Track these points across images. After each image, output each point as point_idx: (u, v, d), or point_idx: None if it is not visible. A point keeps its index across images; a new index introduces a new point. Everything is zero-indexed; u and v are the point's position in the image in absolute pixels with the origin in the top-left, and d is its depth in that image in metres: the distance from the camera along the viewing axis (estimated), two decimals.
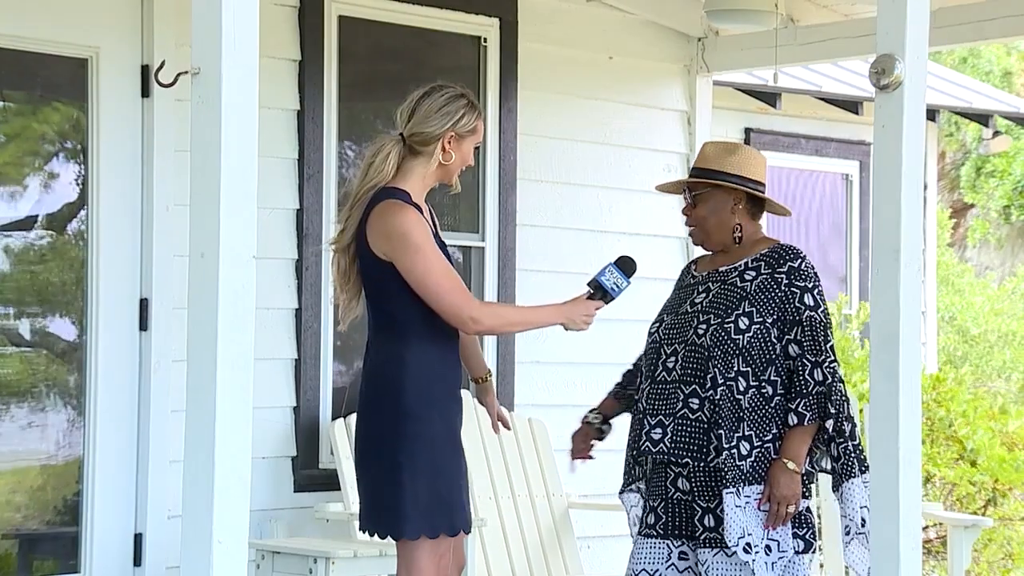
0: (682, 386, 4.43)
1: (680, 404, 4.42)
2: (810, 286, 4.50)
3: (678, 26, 7.58)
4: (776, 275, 4.49)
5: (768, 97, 8.77)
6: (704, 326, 4.44)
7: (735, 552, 4.33)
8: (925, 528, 8.32)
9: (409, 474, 4.16)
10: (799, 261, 4.52)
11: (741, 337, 4.42)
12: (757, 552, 4.36)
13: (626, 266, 4.43)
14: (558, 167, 7.26)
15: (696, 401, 4.42)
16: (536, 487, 6.64)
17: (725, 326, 4.42)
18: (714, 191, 4.57)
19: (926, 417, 8.11)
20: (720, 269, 4.55)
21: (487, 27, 6.99)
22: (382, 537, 4.27)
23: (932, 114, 9.39)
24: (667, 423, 4.43)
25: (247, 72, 3.69)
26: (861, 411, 6.91)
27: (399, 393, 4.16)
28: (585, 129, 7.37)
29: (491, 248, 7.01)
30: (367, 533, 4.32)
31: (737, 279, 4.50)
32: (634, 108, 7.51)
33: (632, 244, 7.29)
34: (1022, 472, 8.16)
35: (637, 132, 7.48)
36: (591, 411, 4.71)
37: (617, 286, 4.38)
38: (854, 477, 4.48)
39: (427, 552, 4.21)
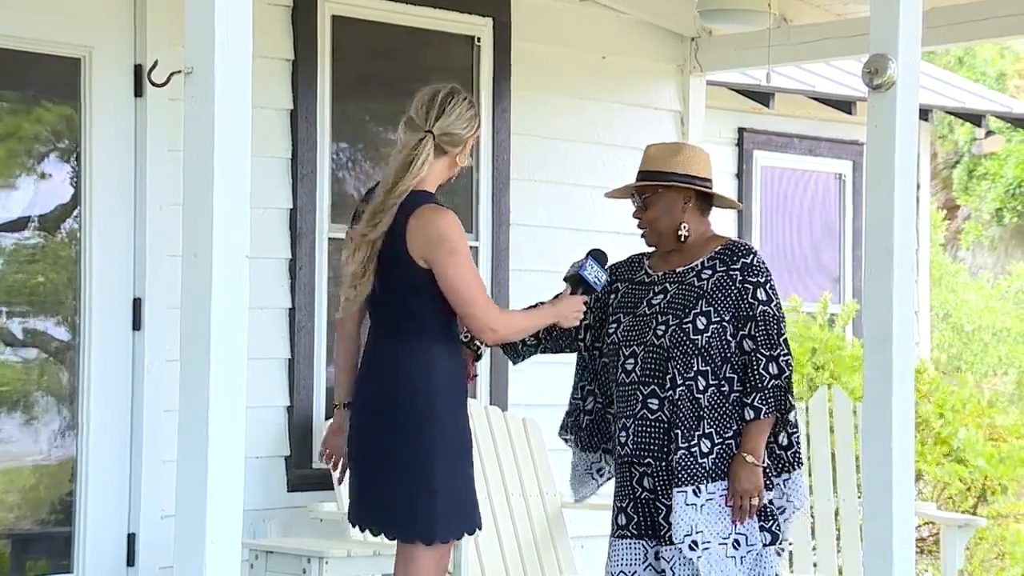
0: (640, 387, 4.47)
1: (639, 405, 4.46)
2: (762, 281, 4.50)
3: (671, 26, 7.58)
4: (731, 272, 4.50)
5: (761, 97, 8.77)
6: (663, 327, 4.46)
7: (681, 549, 4.37)
8: (918, 527, 8.32)
9: (441, 478, 4.18)
10: (751, 257, 4.52)
11: (700, 337, 4.44)
12: (705, 549, 4.37)
13: (600, 258, 4.55)
14: (551, 167, 7.26)
15: (655, 401, 4.45)
16: (530, 486, 6.64)
17: (684, 326, 4.45)
18: (664, 192, 4.60)
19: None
20: (677, 269, 4.57)
21: (480, 27, 6.99)
22: (404, 540, 4.23)
23: (925, 114, 9.40)
24: (628, 424, 4.47)
25: (240, 71, 3.69)
26: (855, 412, 6.93)
27: (430, 397, 4.19)
28: (578, 129, 7.37)
29: (485, 248, 7.01)
30: (376, 534, 4.28)
31: (694, 279, 4.53)
32: (627, 108, 7.51)
33: (625, 244, 7.27)
34: (1009, 464, 8.16)
35: (630, 132, 7.48)
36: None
37: (598, 279, 4.50)
38: (799, 468, 4.54)
39: (434, 555, 4.23)
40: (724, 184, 8.82)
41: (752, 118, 8.98)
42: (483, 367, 6.96)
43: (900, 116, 4.36)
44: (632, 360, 4.47)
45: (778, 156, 9.14)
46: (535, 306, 4.53)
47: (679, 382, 4.43)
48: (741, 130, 8.94)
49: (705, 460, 4.41)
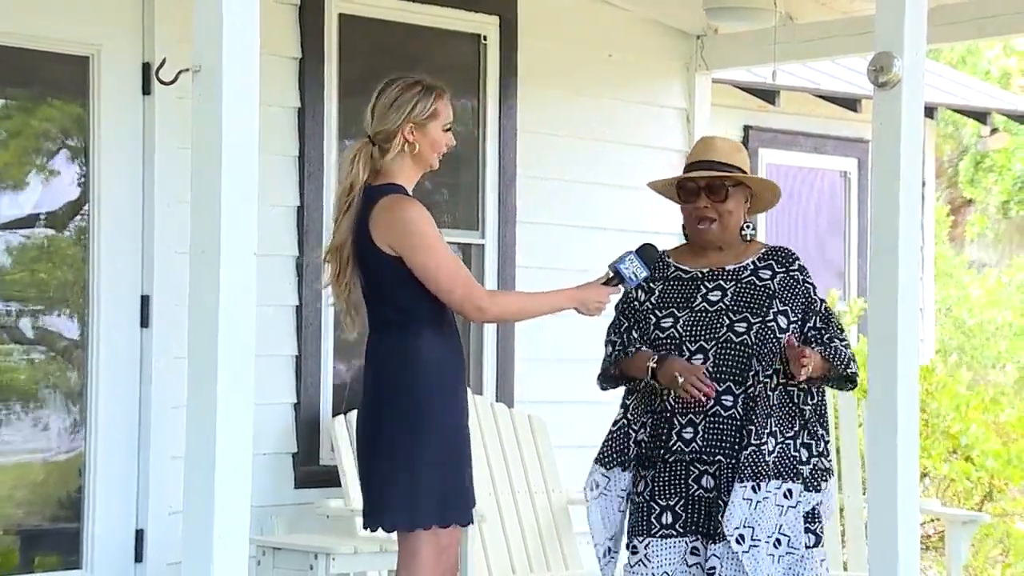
0: (716, 383, 4.42)
1: (712, 403, 4.42)
2: (814, 284, 4.65)
3: (677, 24, 7.58)
4: (791, 273, 4.59)
5: (767, 95, 8.77)
6: (743, 324, 4.45)
7: (728, 543, 4.35)
8: (923, 524, 8.32)
9: (425, 463, 4.18)
10: (801, 260, 4.66)
11: (783, 336, 4.48)
12: (753, 546, 4.37)
13: (647, 255, 4.43)
14: (558, 164, 7.26)
15: (730, 399, 4.43)
16: (535, 483, 6.64)
17: (768, 324, 4.46)
18: (737, 187, 4.57)
19: (919, 410, 8.10)
20: (727, 268, 4.55)
21: (487, 25, 6.99)
22: (388, 530, 4.27)
23: (930, 111, 9.39)
24: (698, 421, 4.42)
25: (248, 69, 3.69)
26: (860, 412, 6.92)
27: (414, 386, 4.17)
28: (585, 126, 7.37)
29: (491, 245, 7.00)
30: (373, 528, 4.31)
31: (754, 278, 4.53)
32: (633, 105, 7.51)
33: (632, 241, 7.28)
34: (1017, 467, 8.16)
35: (636, 129, 7.47)
36: (650, 357, 4.48)
37: (635, 275, 4.39)
38: (833, 475, 4.63)
39: (430, 545, 4.22)
40: None
41: (758, 116, 8.98)
42: (488, 364, 6.97)
43: (905, 114, 4.35)
44: (700, 356, 4.45)
45: (784, 154, 9.13)
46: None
47: (760, 379, 4.44)
48: (747, 128, 8.94)
49: (769, 458, 4.41)
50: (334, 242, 4.30)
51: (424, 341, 4.20)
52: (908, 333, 4.34)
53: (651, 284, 4.55)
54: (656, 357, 4.42)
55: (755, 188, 4.64)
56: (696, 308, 4.49)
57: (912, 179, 4.40)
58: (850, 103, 9.10)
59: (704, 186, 4.56)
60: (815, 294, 4.60)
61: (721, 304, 4.49)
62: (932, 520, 8.33)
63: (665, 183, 4.73)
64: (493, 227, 7.00)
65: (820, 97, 9.09)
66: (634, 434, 4.51)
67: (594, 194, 7.34)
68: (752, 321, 4.46)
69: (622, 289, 4.45)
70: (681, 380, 4.36)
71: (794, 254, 4.63)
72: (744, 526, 4.38)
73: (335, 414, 6.41)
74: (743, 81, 8.62)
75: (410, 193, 4.28)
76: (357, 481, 6.12)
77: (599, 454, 4.57)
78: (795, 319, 4.51)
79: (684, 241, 4.71)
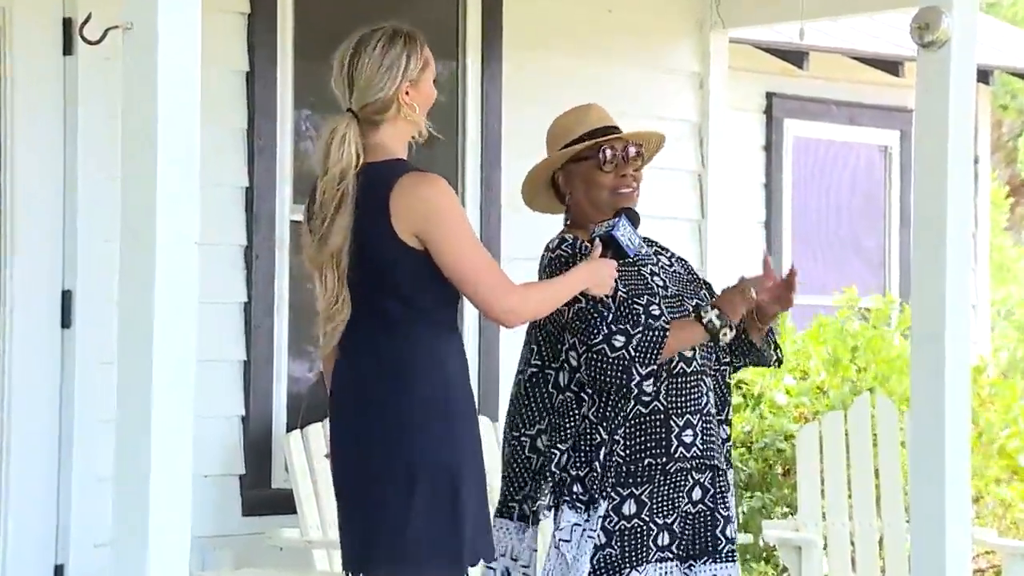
0: (704, 377, 4.52)
1: (704, 399, 4.51)
2: None
3: None
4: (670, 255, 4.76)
5: (793, 57, 8.79)
6: (714, 309, 4.51)
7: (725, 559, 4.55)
8: (975, 556, 8.34)
9: (459, 491, 4.04)
10: None
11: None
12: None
13: (634, 219, 4.53)
14: None
15: (712, 395, 4.54)
16: None
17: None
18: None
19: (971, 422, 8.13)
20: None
21: None
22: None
23: (984, 75, 9.41)
24: (695, 422, 4.49)
25: (187, 27, 3.70)
26: (902, 426, 6.94)
27: (447, 396, 4.08)
28: (581, 95, 7.32)
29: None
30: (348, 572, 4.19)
31: (663, 259, 4.69)
32: (638, 70, 7.52)
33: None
34: None
35: (641, 98, 7.49)
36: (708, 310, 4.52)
37: (631, 241, 4.45)
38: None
39: None
40: (754, 157, 8.85)
41: (783, 81, 9.00)
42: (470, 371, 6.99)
43: (955, 78, 4.38)
44: (688, 350, 4.53)
45: (813, 125, 9.16)
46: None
47: (720, 368, 4.60)
48: (770, 95, 8.96)
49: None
50: (331, 246, 4.09)
51: (446, 343, 4.11)
52: (957, 334, 4.36)
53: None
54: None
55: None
56: (657, 293, 4.55)
57: (962, 155, 4.42)
58: (891, 66, 9.12)
59: (624, 151, 4.65)
60: None
61: (671, 289, 4.60)
62: (986, 553, 8.36)
63: (542, 176, 4.75)
64: (474, 211, 7.01)
65: (855, 59, 9.12)
66: (606, 451, 4.52)
67: None
68: (711, 306, 4.54)
69: (620, 260, 4.46)
70: (754, 292, 4.49)
71: None
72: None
73: (290, 429, 6.42)
74: (765, 41, 8.64)
75: (420, 167, 4.19)
76: (315, 507, 6.14)
77: (569, 494, 4.52)
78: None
79: (568, 223, 4.72)
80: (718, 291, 4.66)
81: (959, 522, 4.34)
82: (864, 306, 8.50)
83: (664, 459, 4.47)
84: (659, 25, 7.59)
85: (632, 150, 4.64)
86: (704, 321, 4.42)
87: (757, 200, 8.81)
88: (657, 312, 4.49)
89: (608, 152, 4.63)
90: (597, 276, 4.33)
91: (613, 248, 4.41)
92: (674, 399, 4.49)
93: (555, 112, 7.52)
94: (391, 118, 4.16)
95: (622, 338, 4.39)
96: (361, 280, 4.12)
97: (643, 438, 4.47)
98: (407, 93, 4.15)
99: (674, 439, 4.47)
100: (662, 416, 4.48)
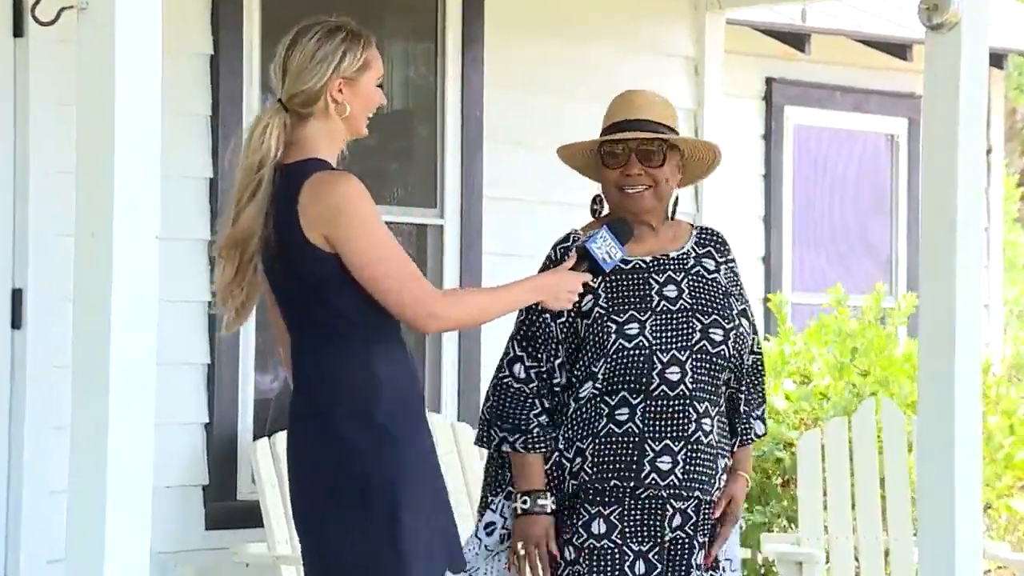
0: (695, 403, 4.46)
1: (694, 426, 4.45)
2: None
3: None
4: (730, 265, 4.64)
5: (795, 39, 8.79)
6: (719, 331, 4.48)
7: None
8: (987, 572, 8.36)
9: (412, 512, 4.10)
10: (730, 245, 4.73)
11: (753, 343, 4.60)
12: (734, 572, 4.62)
13: (621, 231, 4.39)
14: (534, 127, 7.27)
15: (708, 421, 4.48)
16: None
17: (741, 331, 4.54)
18: (674, 151, 4.59)
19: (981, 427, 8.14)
20: (671, 254, 4.57)
21: None
22: None
23: (998, 59, 9.43)
24: (677, 448, 4.45)
25: (147, 7, 3.70)
26: (909, 431, 6.95)
27: (374, 411, 4.10)
28: (568, 80, 7.38)
29: (451, 227, 7.01)
30: None
31: (700, 269, 4.58)
32: (629, 54, 7.52)
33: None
34: None
35: (633, 84, 7.44)
36: (535, 496, 4.50)
37: (610, 255, 4.33)
38: None
39: None
40: (752, 147, 8.85)
41: (783, 66, 9.00)
42: (448, 375, 6.99)
43: (965, 62, 4.39)
44: (677, 369, 4.47)
45: (816, 113, 9.16)
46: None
47: (724, 398, 4.55)
48: (769, 81, 8.96)
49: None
50: (234, 234, 4.15)
51: (377, 354, 4.10)
52: (968, 335, 4.37)
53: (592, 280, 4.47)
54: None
55: (688, 154, 4.63)
56: (657, 308, 4.51)
57: (973, 144, 4.43)
58: (899, 49, 9.13)
59: (636, 150, 4.56)
60: (744, 295, 4.67)
61: (683, 303, 4.51)
62: (999, 568, 8.38)
63: (582, 150, 4.74)
64: (454, 204, 7.01)
65: (861, 42, 9.12)
66: (568, 464, 4.51)
67: None
68: (725, 327, 4.50)
69: (594, 275, 4.37)
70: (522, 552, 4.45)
71: (724, 238, 4.69)
72: (724, 557, 4.59)
73: (256, 437, 6.42)
74: (765, 22, 8.64)
75: (335, 166, 4.22)
76: (284, 520, 6.14)
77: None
78: (749, 322, 4.61)
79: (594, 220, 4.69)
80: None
81: (970, 535, 4.35)
82: (853, 304, 8.49)
83: (632, 483, 4.44)
84: (651, 5, 7.59)
85: (644, 147, 4.54)
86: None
87: (755, 193, 8.81)
88: (634, 331, 4.46)
89: (607, 148, 4.61)
90: (554, 290, 4.27)
91: (589, 262, 4.32)
92: (652, 423, 4.45)
93: (540, 98, 7.55)
94: (320, 114, 4.18)
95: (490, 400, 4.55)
96: (290, 290, 4.18)
97: (611, 458, 4.45)
98: (340, 91, 4.17)
99: (646, 464, 4.44)
100: (636, 439, 4.45)
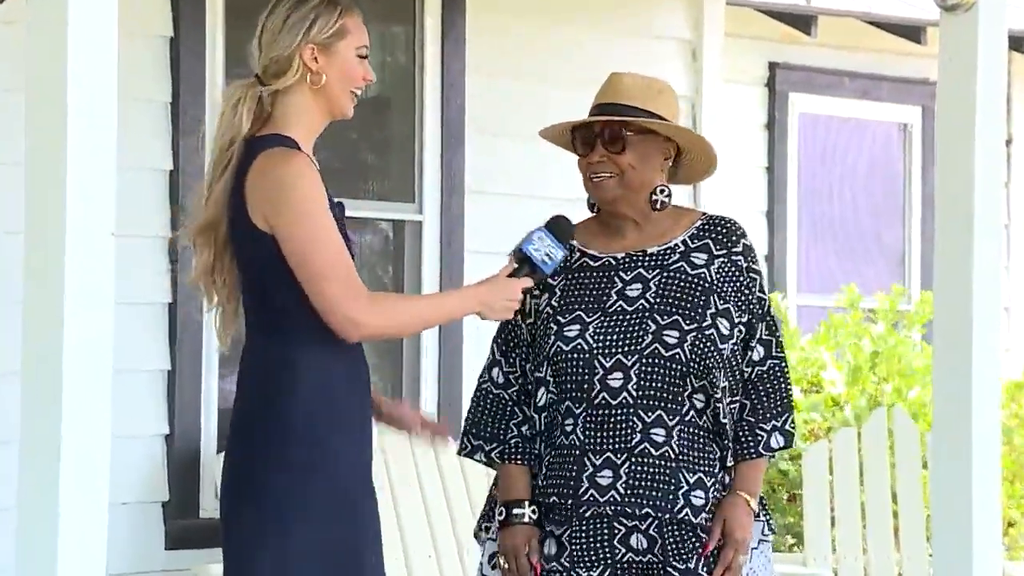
0: (641, 412, 4.40)
1: (639, 436, 4.39)
2: (760, 270, 4.59)
3: None
4: (733, 256, 4.52)
5: (800, 21, 8.80)
6: (675, 332, 4.41)
7: None
8: None
9: (305, 520, 4.10)
10: (748, 236, 4.58)
11: (727, 346, 4.44)
12: None
13: (560, 230, 4.38)
14: (519, 116, 7.28)
15: (662, 432, 4.39)
16: (465, 538, 6.64)
17: (707, 333, 4.41)
18: (646, 137, 4.55)
19: (1003, 441, 8.16)
20: (649, 250, 4.53)
21: None
22: None
23: (1018, 42, 9.45)
24: (619, 461, 4.39)
25: None
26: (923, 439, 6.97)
27: (286, 409, 4.08)
28: (555, 65, 7.39)
29: (431, 222, 7.02)
30: None
31: (684, 264, 4.50)
32: (622, 37, 7.53)
33: None
34: None
35: (625, 68, 7.48)
36: (512, 506, 4.49)
37: (549, 257, 4.31)
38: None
39: None
40: (754, 137, 8.87)
41: (788, 50, 9.02)
42: (428, 380, 6.99)
43: (983, 45, 4.39)
44: (620, 375, 4.41)
45: (823, 100, 9.17)
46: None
47: (699, 406, 4.42)
48: (773, 66, 8.97)
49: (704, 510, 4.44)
50: (205, 218, 4.17)
51: (307, 351, 4.08)
52: (986, 340, 4.37)
53: (551, 278, 4.46)
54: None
55: (683, 146, 4.62)
56: (610, 309, 4.47)
57: (992, 134, 4.44)
58: (912, 32, 9.15)
59: (599, 133, 4.55)
60: (761, 290, 4.53)
61: (643, 302, 4.45)
62: None
63: (559, 132, 4.70)
64: (434, 199, 7.02)
65: (871, 24, 9.14)
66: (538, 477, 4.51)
67: (567, 157, 7.35)
68: (685, 328, 4.40)
69: (534, 280, 4.33)
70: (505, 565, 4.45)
71: (739, 229, 4.56)
72: None
73: (220, 450, 6.41)
74: (768, 3, 8.66)
75: (302, 148, 4.19)
76: None
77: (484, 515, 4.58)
78: (739, 322, 4.47)
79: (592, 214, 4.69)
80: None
81: (988, 556, 4.36)
82: (868, 306, 8.49)
83: (570, 501, 4.40)
84: None
85: (607, 133, 4.52)
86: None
87: (758, 186, 8.82)
88: (573, 334, 4.42)
89: (577, 134, 4.60)
90: (488, 300, 4.25)
91: (529, 266, 4.30)
92: (593, 434, 4.40)
93: (524, 84, 7.56)
94: (296, 86, 4.16)
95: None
96: (241, 277, 4.18)
97: (555, 473, 4.43)
98: (315, 59, 4.14)
99: (584, 480, 4.38)
100: (577, 452, 4.41)
